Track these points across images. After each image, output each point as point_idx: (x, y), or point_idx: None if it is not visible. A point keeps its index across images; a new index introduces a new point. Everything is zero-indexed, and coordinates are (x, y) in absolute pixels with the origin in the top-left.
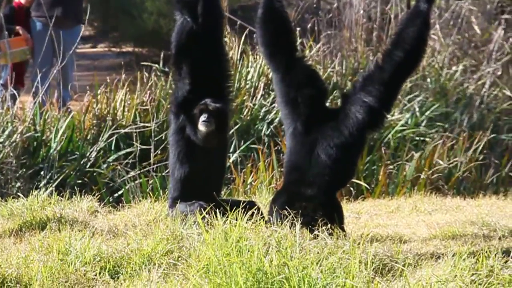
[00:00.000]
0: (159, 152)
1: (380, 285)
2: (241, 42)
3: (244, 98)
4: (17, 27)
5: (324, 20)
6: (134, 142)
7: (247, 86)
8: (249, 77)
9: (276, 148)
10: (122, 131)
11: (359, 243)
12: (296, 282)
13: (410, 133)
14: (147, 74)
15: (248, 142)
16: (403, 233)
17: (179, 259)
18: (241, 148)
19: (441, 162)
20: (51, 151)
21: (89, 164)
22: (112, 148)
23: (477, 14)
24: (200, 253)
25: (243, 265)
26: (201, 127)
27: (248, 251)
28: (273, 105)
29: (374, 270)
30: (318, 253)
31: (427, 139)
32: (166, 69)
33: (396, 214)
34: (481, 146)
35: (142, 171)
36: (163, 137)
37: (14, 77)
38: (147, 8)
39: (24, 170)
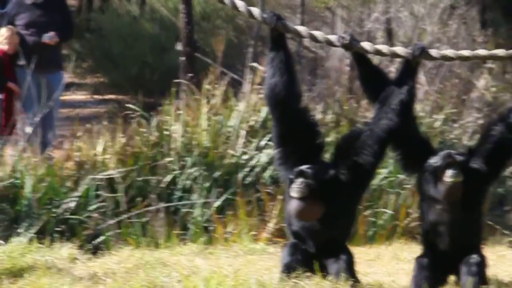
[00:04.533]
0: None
1: None
2: (224, 89)
3: (226, 145)
4: (9, 84)
5: (306, 68)
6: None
7: (229, 134)
8: (231, 123)
9: (256, 195)
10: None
11: None
12: None
13: (391, 182)
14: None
15: (229, 190)
16: (383, 281)
17: None
18: (222, 197)
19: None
20: (30, 197)
21: (69, 211)
22: (95, 194)
23: (460, 63)
24: None
25: None
26: None
27: None
28: (255, 152)
29: None
30: None
31: (406, 187)
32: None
33: (376, 262)
34: None
35: (122, 218)
36: (143, 184)
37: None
38: (130, 56)
39: (4, 216)
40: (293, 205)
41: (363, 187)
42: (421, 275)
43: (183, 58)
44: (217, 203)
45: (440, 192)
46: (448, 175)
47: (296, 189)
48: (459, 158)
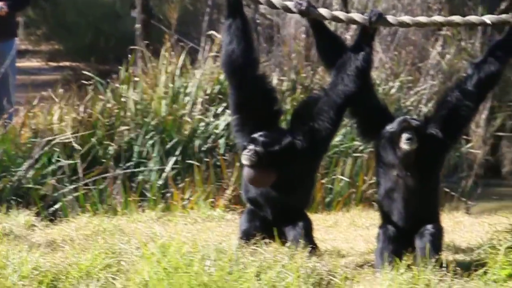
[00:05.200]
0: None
1: None
2: (182, 57)
3: (184, 112)
4: None
5: (262, 35)
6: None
7: (186, 101)
8: (188, 91)
9: (214, 162)
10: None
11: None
12: None
13: (347, 148)
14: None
15: (186, 157)
16: (341, 248)
17: (118, 273)
18: (170, 164)
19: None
20: None
21: (25, 178)
22: (52, 161)
23: (414, 31)
24: (138, 267)
25: (181, 279)
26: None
27: (188, 265)
28: (212, 119)
29: (313, 284)
30: (257, 267)
31: (364, 155)
32: (105, 82)
33: (334, 229)
34: None
35: (79, 184)
36: (99, 151)
37: None
38: (85, 23)
39: None
40: (245, 172)
41: (320, 154)
42: (387, 247)
43: (139, 25)
44: (173, 170)
45: (396, 157)
46: (403, 139)
47: (246, 156)
48: (415, 122)
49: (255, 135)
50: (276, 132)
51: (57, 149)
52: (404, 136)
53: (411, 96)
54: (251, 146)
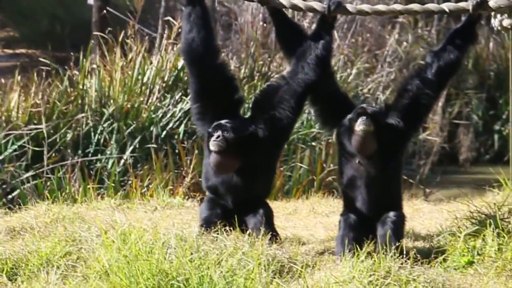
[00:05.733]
0: (53, 154)
1: (279, 286)
2: (139, 44)
3: (141, 99)
4: None
5: (220, 22)
6: (26, 145)
7: (143, 88)
8: (145, 79)
9: (172, 150)
10: (16, 132)
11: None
12: (196, 283)
13: (304, 135)
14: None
15: (145, 145)
16: (302, 235)
17: (78, 260)
18: (128, 151)
19: (332, 165)
20: None
21: None
22: (7, 150)
23: (371, 18)
24: (99, 254)
25: (142, 266)
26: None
27: (149, 252)
28: (169, 107)
29: (273, 271)
30: (218, 254)
31: (322, 142)
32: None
33: (294, 216)
34: None
35: (36, 172)
36: (57, 139)
37: None
38: (40, 9)
39: None
40: (211, 159)
41: (281, 142)
42: (348, 234)
43: (95, 12)
44: (132, 157)
45: (354, 144)
46: (358, 124)
47: (214, 142)
48: (371, 109)
49: (222, 122)
50: (238, 120)
51: (15, 137)
52: (360, 120)
53: (368, 83)
54: (219, 132)
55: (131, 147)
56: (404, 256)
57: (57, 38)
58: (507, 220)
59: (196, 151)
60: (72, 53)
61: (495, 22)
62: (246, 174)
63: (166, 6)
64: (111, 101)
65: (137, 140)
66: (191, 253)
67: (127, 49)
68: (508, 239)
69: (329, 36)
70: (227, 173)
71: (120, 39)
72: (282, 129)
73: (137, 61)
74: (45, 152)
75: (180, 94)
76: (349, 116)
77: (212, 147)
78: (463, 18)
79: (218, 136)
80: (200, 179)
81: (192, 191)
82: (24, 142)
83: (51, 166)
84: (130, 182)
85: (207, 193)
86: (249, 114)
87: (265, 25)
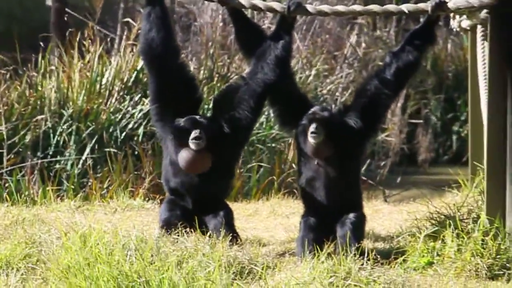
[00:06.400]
0: (12, 156)
1: None
2: (98, 45)
3: (100, 101)
4: None
5: (179, 24)
6: None
7: (102, 90)
8: (104, 81)
9: (132, 152)
10: None
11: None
12: (156, 285)
13: (264, 136)
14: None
15: (103, 147)
16: (262, 237)
17: (38, 263)
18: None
19: (293, 165)
20: None
21: None
22: None
23: (330, 19)
24: (59, 256)
25: (102, 268)
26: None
27: (109, 254)
28: (129, 108)
29: (234, 273)
30: (178, 256)
31: (281, 143)
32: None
33: (254, 218)
34: None
35: None
36: (16, 141)
37: None
38: None
39: None
40: (186, 158)
41: (241, 142)
42: (308, 235)
43: (53, 13)
44: (91, 159)
45: (309, 149)
46: (309, 132)
47: (194, 141)
48: (321, 114)
49: (197, 118)
50: (205, 118)
51: None
52: (310, 129)
53: (327, 84)
54: (197, 131)
55: (90, 149)
56: (365, 257)
57: (14, 39)
58: (466, 221)
59: (150, 152)
60: (33, 55)
61: (454, 23)
62: (207, 174)
63: (125, 8)
64: (70, 102)
65: (94, 140)
66: (152, 255)
67: (85, 51)
68: (467, 240)
69: (288, 37)
70: (200, 172)
71: (77, 40)
72: (242, 129)
73: (94, 62)
74: (5, 154)
75: (139, 95)
76: (303, 120)
77: (192, 146)
78: (422, 20)
79: (198, 136)
80: (160, 181)
81: (152, 192)
82: None
83: (10, 168)
84: (89, 184)
85: (167, 194)
86: (209, 115)
87: (224, 26)
